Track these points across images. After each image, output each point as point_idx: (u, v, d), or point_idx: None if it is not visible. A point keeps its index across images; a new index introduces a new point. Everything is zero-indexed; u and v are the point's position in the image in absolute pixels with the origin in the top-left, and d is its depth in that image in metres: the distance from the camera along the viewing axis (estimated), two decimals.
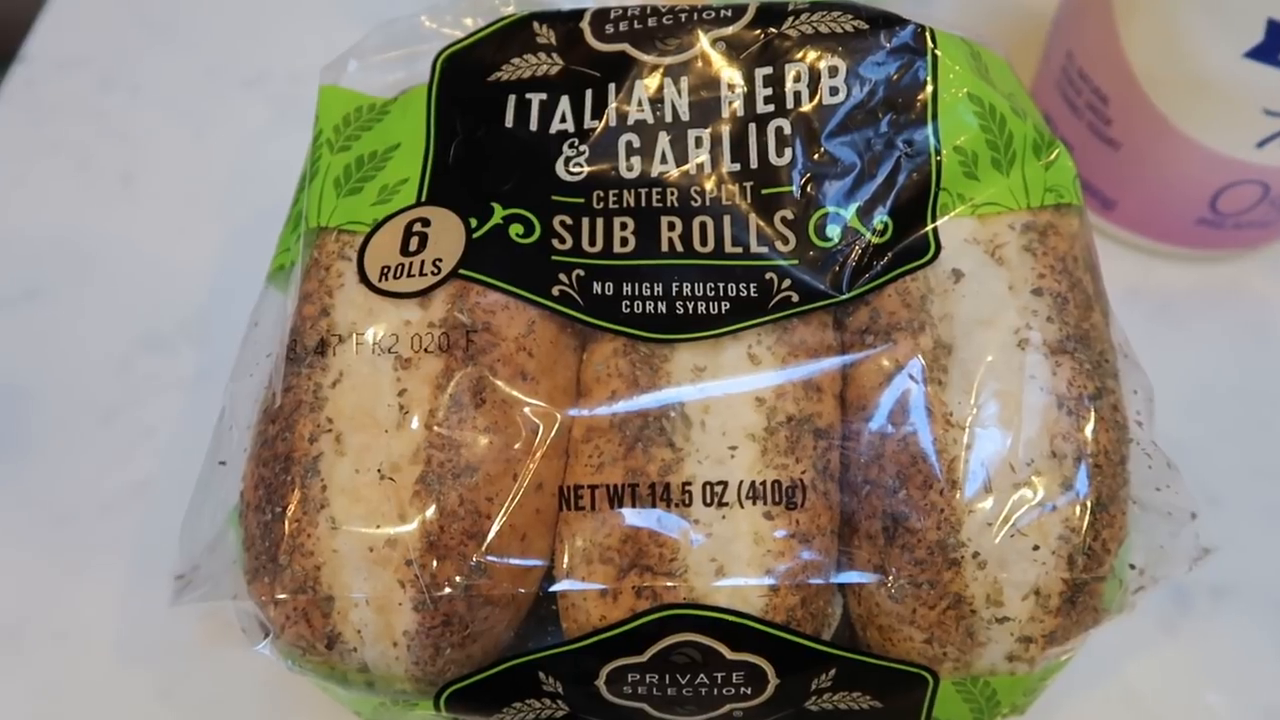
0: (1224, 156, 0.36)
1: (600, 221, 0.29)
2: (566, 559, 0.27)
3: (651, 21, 0.31)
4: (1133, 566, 0.27)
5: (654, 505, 0.26)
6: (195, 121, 0.48)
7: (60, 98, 0.49)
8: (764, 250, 0.29)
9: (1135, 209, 0.41)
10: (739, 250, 0.29)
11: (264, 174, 0.42)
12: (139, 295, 0.43)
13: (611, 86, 0.31)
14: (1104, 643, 0.35)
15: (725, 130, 0.30)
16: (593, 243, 0.29)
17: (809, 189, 0.29)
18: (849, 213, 0.29)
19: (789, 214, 0.29)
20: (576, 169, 0.30)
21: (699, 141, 0.30)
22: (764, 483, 0.27)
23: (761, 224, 0.29)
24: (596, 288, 0.28)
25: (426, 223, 0.29)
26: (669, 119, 0.30)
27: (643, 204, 0.29)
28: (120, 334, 0.42)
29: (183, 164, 0.47)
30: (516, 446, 0.27)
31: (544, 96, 0.31)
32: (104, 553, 0.37)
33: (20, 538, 0.38)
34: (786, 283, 0.28)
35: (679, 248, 0.29)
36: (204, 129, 0.48)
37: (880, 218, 0.29)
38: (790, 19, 0.31)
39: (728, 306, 0.28)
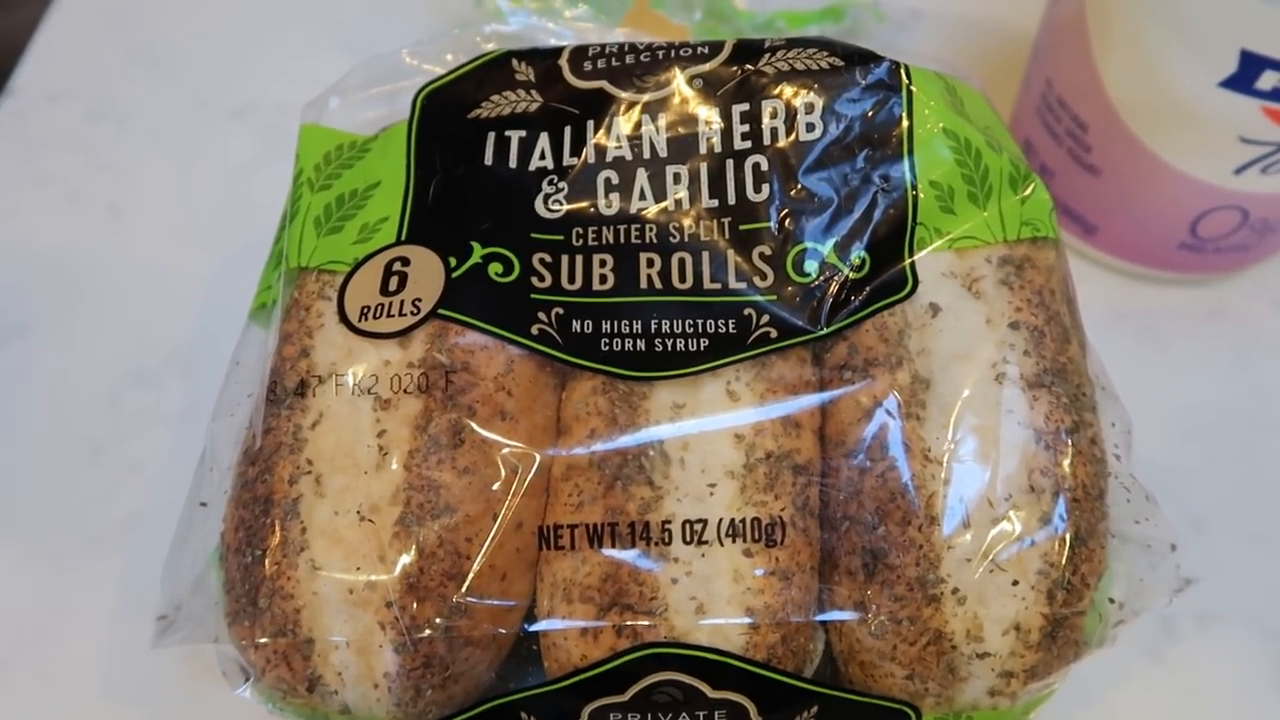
0: (1202, 183, 0.37)
1: (579, 259, 0.29)
2: (547, 598, 0.27)
3: (629, 59, 0.31)
4: (1112, 600, 0.27)
5: (634, 544, 0.26)
6: (183, 152, 0.48)
7: (48, 130, 0.49)
8: (742, 286, 0.29)
9: (1117, 234, 0.41)
10: (717, 286, 0.29)
11: (253, 204, 0.43)
12: (127, 329, 0.43)
13: (590, 123, 0.31)
14: (1089, 670, 0.34)
15: (703, 166, 0.30)
16: (572, 280, 0.29)
17: (787, 224, 0.29)
18: (826, 248, 0.29)
19: (767, 249, 0.29)
20: (556, 206, 0.30)
21: (677, 178, 0.30)
22: (743, 520, 0.27)
23: (740, 260, 0.29)
24: (576, 326, 0.29)
25: (406, 262, 0.29)
26: (647, 155, 0.30)
27: (621, 241, 0.30)
28: (108, 369, 0.42)
29: (171, 195, 0.47)
30: (496, 486, 0.27)
31: (523, 133, 0.31)
32: (90, 589, 0.37)
33: (6, 574, 0.38)
34: (765, 319, 0.28)
35: (658, 284, 0.29)
36: (192, 160, 0.48)
37: (858, 253, 0.29)
38: (766, 56, 0.31)
39: (706, 343, 0.28)
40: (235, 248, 0.45)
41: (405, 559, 0.26)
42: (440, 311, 0.28)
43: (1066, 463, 0.27)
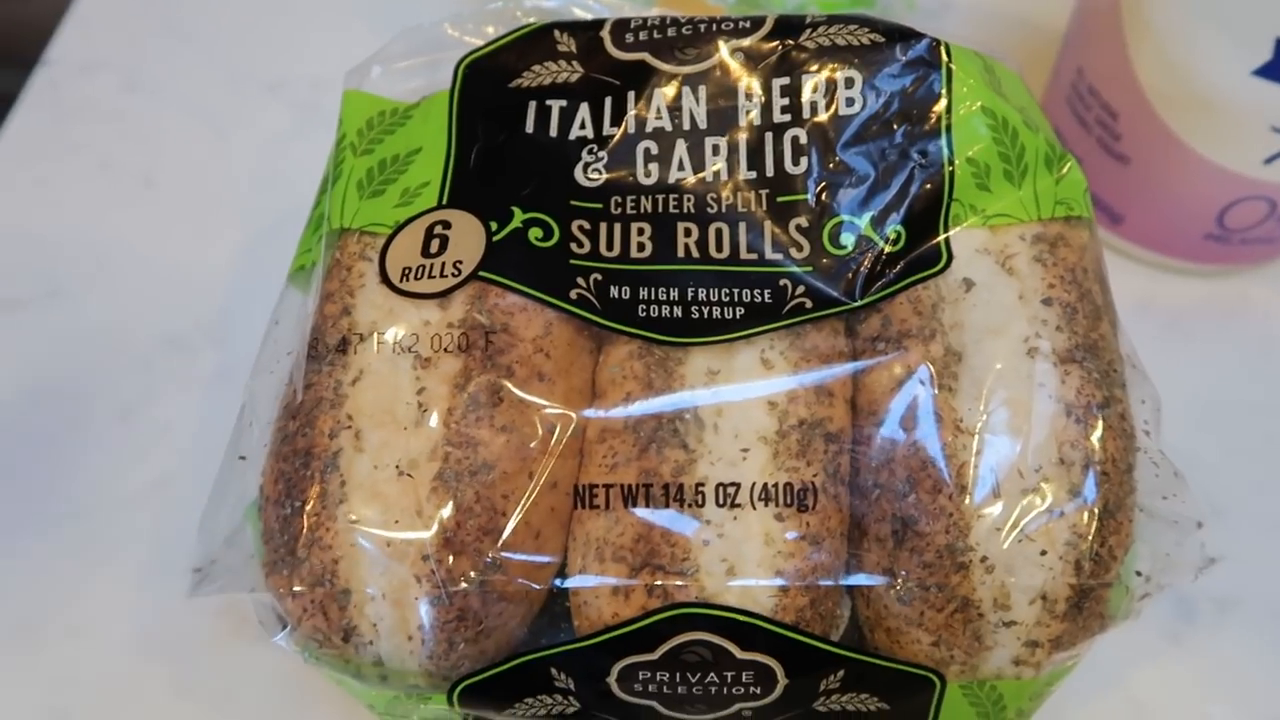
0: (1231, 173, 0.37)
1: (618, 226, 0.30)
2: (580, 557, 0.27)
3: (671, 31, 0.32)
4: (1139, 574, 0.28)
5: (667, 505, 0.27)
6: (217, 125, 0.49)
7: (83, 100, 0.50)
8: (778, 257, 0.29)
9: (1144, 224, 0.41)
10: (754, 256, 0.29)
11: (284, 177, 0.43)
12: (159, 295, 0.44)
13: (631, 94, 0.31)
14: (1109, 652, 0.35)
15: (742, 139, 0.31)
16: (610, 247, 0.30)
17: (824, 197, 0.30)
18: (863, 221, 0.30)
19: (804, 222, 0.30)
20: (595, 175, 0.30)
21: (716, 149, 0.31)
22: (775, 485, 0.27)
23: (776, 231, 0.30)
24: (614, 291, 0.29)
25: (447, 225, 0.30)
26: (687, 127, 0.31)
27: (660, 210, 0.30)
28: (140, 333, 0.43)
29: (204, 167, 0.48)
30: (532, 445, 0.27)
31: (564, 103, 0.31)
32: (122, 549, 0.38)
33: (39, 533, 0.38)
34: (800, 289, 0.29)
35: (695, 253, 0.29)
36: (225, 132, 0.49)
37: (893, 227, 0.29)
38: (807, 31, 0.31)
39: (742, 312, 0.29)
40: (267, 219, 0.46)
41: (443, 514, 0.26)
42: (481, 274, 0.29)
43: (1096, 437, 0.27)
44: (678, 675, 0.27)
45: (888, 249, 0.29)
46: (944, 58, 0.30)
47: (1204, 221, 0.39)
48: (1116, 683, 0.35)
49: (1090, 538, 0.27)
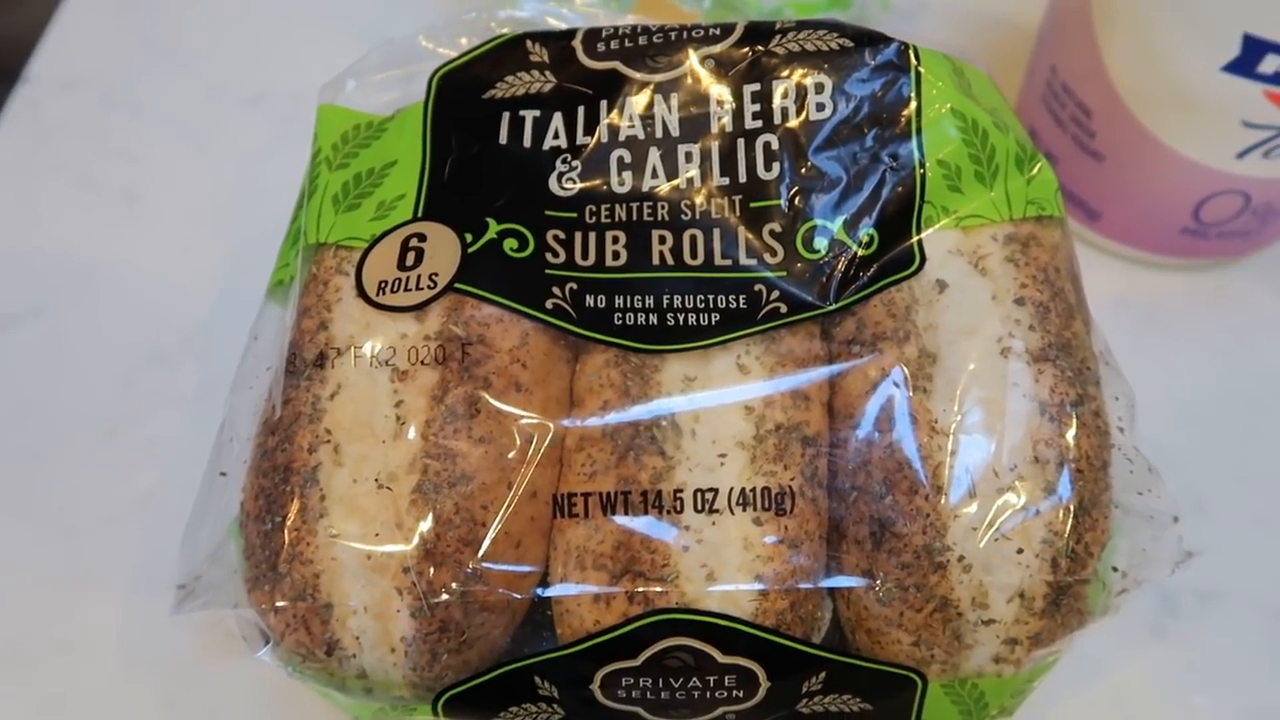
0: (1205, 167, 0.37)
1: (593, 235, 0.30)
2: (560, 565, 0.28)
3: (642, 40, 0.32)
4: (1116, 569, 0.28)
5: (646, 512, 0.27)
6: (197, 140, 0.49)
7: (64, 117, 0.50)
8: (752, 263, 0.29)
9: (1120, 219, 0.41)
10: (728, 262, 0.30)
11: (265, 191, 0.43)
12: (142, 312, 0.44)
13: (603, 103, 0.31)
14: (1093, 645, 0.35)
15: (714, 145, 0.31)
16: (585, 256, 0.30)
17: (796, 202, 0.30)
18: (836, 225, 0.30)
19: (777, 227, 0.30)
20: (569, 184, 0.31)
21: (689, 156, 0.31)
22: (753, 489, 0.27)
23: (750, 237, 0.30)
24: (589, 300, 0.29)
25: (423, 238, 0.30)
26: (659, 135, 0.31)
27: (634, 218, 0.30)
28: (123, 350, 0.43)
29: (185, 182, 0.48)
30: (511, 455, 0.27)
31: (537, 113, 0.32)
32: (107, 565, 0.38)
33: (24, 551, 0.38)
34: (775, 294, 0.29)
35: (669, 261, 0.30)
36: (206, 147, 0.49)
37: (866, 230, 0.30)
38: (777, 37, 0.31)
39: (717, 318, 0.29)
40: (249, 233, 0.46)
41: (422, 526, 0.27)
42: (457, 285, 0.29)
43: (1071, 434, 0.27)
44: (660, 681, 0.27)
45: (861, 252, 0.29)
46: (913, 61, 0.31)
47: (1180, 216, 0.40)
48: (1100, 676, 0.35)
49: (1066, 535, 0.27)
